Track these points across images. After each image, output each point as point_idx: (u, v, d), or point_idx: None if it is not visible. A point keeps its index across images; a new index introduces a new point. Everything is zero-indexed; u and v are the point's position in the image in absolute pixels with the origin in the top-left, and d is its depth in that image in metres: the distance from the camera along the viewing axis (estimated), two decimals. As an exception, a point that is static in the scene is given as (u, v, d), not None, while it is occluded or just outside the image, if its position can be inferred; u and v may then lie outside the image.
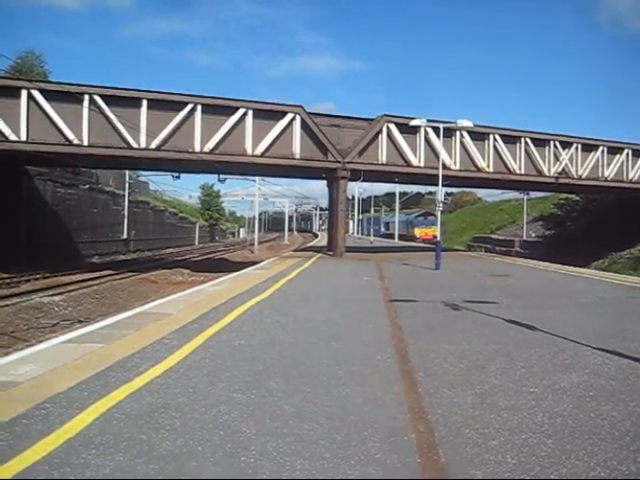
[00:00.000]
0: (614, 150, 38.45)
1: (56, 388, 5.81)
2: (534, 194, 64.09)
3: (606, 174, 38.04)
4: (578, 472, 4.11)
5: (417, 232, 70.83)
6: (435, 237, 60.21)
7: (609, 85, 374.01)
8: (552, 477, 4.03)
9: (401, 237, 75.73)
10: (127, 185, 53.47)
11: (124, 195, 52.97)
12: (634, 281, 20.43)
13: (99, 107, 26.19)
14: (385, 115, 32.19)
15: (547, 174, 36.22)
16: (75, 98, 25.60)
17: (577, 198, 55.20)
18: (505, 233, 69.71)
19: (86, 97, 26.01)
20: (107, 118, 26.36)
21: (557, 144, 36.50)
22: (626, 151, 38.75)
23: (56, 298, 21.85)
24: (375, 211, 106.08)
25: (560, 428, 5.03)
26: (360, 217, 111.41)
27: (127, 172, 52.85)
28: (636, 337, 9.19)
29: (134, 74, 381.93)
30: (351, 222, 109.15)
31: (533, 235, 63.25)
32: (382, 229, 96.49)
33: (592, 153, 37.60)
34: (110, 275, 30.71)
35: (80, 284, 26.45)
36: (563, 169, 36.65)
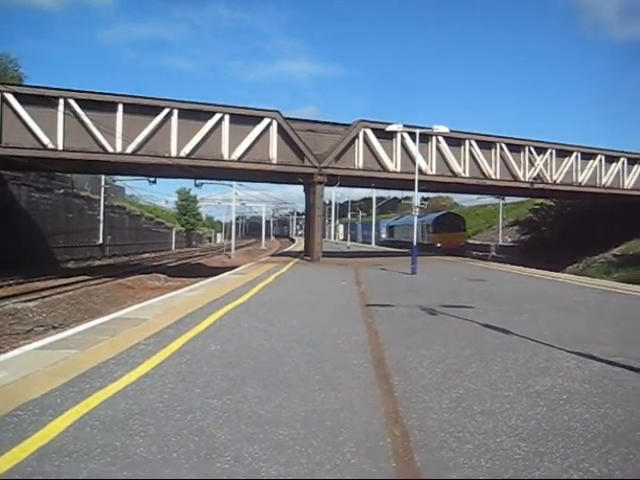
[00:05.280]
0: (587, 156, 39.03)
1: (29, 395, 5.75)
2: (510, 199, 64.80)
3: (580, 179, 38.57)
4: (551, 474, 4.15)
5: (437, 239, 54.95)
6: (462, 246, 54.51)
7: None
8: (525, 480, 4.06)
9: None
10: (103, 190, 53.02)
11: (100, 200, 52.51)
12: (608, 285, 20.69)
13: (74, 111, 26.02)
14: (362, 120, 32.37)
15: (522, 179, 36.62)
16: (50, 102, 25.42)
17: (552, 203, 55.78)
18: (481, 238, 70.28)
19: (61, 101, 25.83)
20: (82, 122, 26.20)
21: (532, 149, 36.97)
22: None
23: (30, 304, 21.56)
24: (352, 216, 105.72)
25: (534, 431, 5.07)
26: (337, 221, 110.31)
27: (103, 177, 52.37)
28: (609, 341, 9.30)
29: (109, 78, 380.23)
30: (342, 227, 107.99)
31: (509, 240, 63.80)
32: (383, 235, 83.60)
33: (566, 158, 38.15)
34: (85, 280, 30.42)
35: (55, 290, 26.15)
36: (538, 174, 37.10)
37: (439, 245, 51.99)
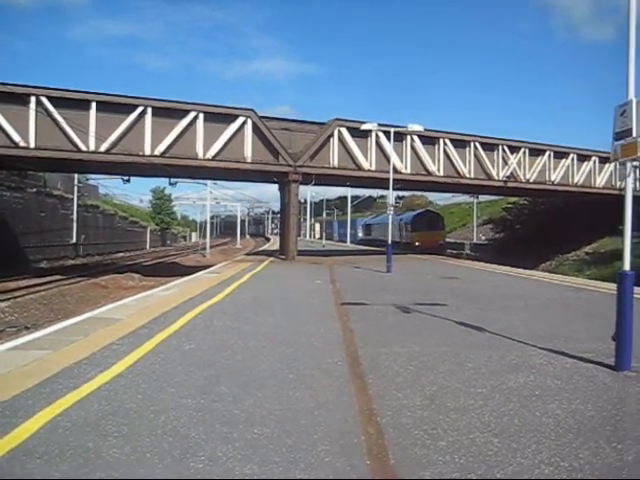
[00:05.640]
0: (560, 155, 39.50)
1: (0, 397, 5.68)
2: (484, 197, 65.22)
3: (552, 178, 39.00)
4: (523, 470, 4.20)
5: (416, 238, 52.49)
6: (441, 244, 53.28)
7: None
8: (498, 476, 4.10)
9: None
10: (76, 189, 52.40)
11: (73, 199, 51.90)
12: (580, 282, 20.93)
13: (46, 109, 25.72)
14: (336, 119, 32.38)
15: (496, 178, 36.93)
16: (21, 100, 25.12)
17: (525, 202, 56.29)
18: (456, 236, 70.55)
19: (32, 99, 25.51)
20: (55, 121, 25.92)
21: (505, 148, 37.29)
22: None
23: (2, 304, 21.28)
24: (327, 215, 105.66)
25: (506, 427, 5.12)
26: (313, 220, 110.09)
27: (76, 176, 51.78)
28: (581, 337, 9.42)
29: (83, 76, 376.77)
30: (318, 225, 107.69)
31: (483, 238, 64.28)
32: (360, 233, 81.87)
33: (539, 157, 38.58)
34: (59, 280, 30.08)
35: (27, 290, 25.82)
36: (511, 173, 37.45)
37: (418, 244, 50.61)
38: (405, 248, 48.62)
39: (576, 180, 40.13)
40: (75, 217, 52.18)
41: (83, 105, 26.45)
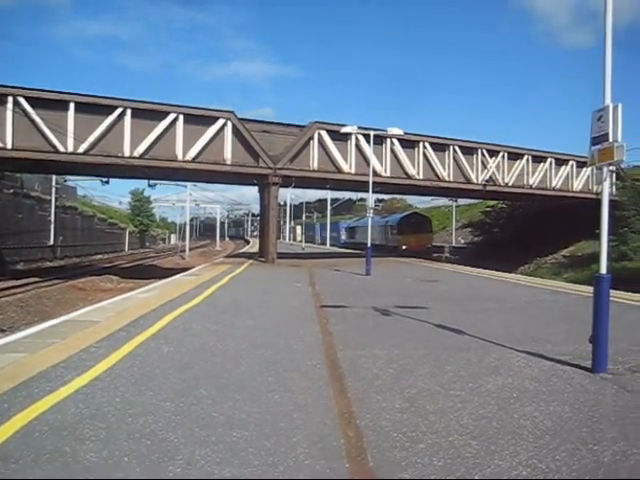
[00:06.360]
0: (538, 159, 39.89)
1: (-25, 400, 5.61)
2: (463, 201, 65.44)
3: (531, 182, 39.40)
4: (501, 472, 4.23)
5: (403, 241, 51.03)
6: (429, 248, 52.19)
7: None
8: (476, 477, 4.12)
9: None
10: (54, 190, 51.94)
11: (51, 200, 51.43)
12: (557, 285, 21.09)
13: (24, 110, 25.44)
14: (316, 122, 32.40)
15: (475, 181, 37.18)
16: (-2, 100, 24.85)
17: (503, 205, 56.67)
18: (435, 239, 70.71)
19: (10, 99, 25.23)
20: (33, 121, 25.65)
21: (484, 152, 37.55)
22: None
23: (-23, 307, 21.05)
24: (307, 217, 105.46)
25: (485, 429, 5.15)
26: (293, 222, 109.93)
27: (54, 177, 51.34)
28: (558, 340, 9.48)
29: (60, 76, 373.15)
30: (299, 228, 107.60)
31: (462, 241, 64.56)
32: (343, 237, 79.97)
33: (518, 161, 38.93)
34: (36, 282, 29.74)
35: (3, 292, 25.49)
36: (490, 177, 37.71)
37: (404, 247, 49.57)
38: (391, 251, 48.12)
39: (554, 184, 40.54)
40: (53, 218, 51.68)
41: (61, 106, 26.23)
